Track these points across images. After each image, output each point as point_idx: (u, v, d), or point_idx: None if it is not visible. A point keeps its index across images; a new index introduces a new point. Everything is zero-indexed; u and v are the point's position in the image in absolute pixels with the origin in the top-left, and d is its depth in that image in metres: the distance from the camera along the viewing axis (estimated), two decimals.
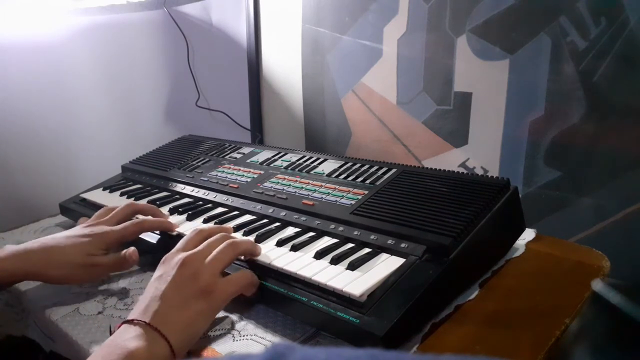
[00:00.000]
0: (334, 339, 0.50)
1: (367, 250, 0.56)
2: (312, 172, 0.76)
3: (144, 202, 0.78)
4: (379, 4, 1.04)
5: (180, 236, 0.60)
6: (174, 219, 0.71)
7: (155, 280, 0.50)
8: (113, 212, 0.68)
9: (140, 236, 0.68)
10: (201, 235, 0.56)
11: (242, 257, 0.58)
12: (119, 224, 0.66)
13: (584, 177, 0.82)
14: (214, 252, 0.52)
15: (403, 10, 1.00)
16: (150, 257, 0.67)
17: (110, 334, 0.47)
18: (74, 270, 0.60)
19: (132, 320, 0.46)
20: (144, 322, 0.45)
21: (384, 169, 0.70)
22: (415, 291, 0.48)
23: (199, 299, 0.48)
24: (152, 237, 0.69)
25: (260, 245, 0.60)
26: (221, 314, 0.56)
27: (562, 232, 0.84)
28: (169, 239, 0.67)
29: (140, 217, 0.70)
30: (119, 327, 0.46)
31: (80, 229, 0.64)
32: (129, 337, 0.44)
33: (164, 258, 0.53)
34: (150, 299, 0.47)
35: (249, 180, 0.78)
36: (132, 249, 0.63)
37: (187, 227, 0.68)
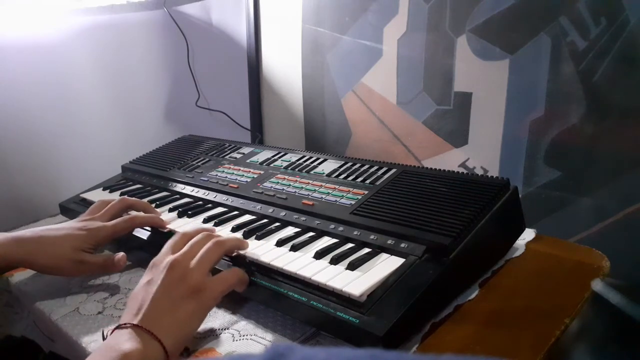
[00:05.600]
0: (334, 339, 0.50)
1: (367, 250, 0.56)
2: (312, 172, 0.76)
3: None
4: (379, 4, 1.04)
5: (173, 232, 0.61)
6: (174, 218, 0.71)
7: (145, 284, 0.50)
8: (106, 208, 0.69)
9: (134, 233, 0.69)
10: (186, 238, 0.56)
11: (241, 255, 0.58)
12: (112, 219, 0.67)
13: (584, 177, 0.82)
14: (201, 252, 0.52)
15: (403, 10, 1.00)
16: (148, 255, 0.67)
17: (104, 339, 0.47)
18: (63, 262, 0.61)
19: (125, 324, 0.46)
20: (137, 325, 0.45)
21: (384, 169, 0.70)
22: (415, 291, 0.48)
23: (189, 300, 0.48)
24: (143, 234, 0.69)
25: (260, 245, 0.60)
26: (222, 313, 0.56)
27: (562, 232, 0.84)
28: (161, 236, 0.67)
29: (133, 213, 0.71)
30: (112, 332, 0.46)
31: (74, 223, 0.66)
32: (122, 340, 0.44)
33: (151, 262, 0.52)
34: (140, 302, 0.48)
35: (248, 180, 0.78)
36: (121, 254, 0.64)
37: (187, 227, 0.68)
